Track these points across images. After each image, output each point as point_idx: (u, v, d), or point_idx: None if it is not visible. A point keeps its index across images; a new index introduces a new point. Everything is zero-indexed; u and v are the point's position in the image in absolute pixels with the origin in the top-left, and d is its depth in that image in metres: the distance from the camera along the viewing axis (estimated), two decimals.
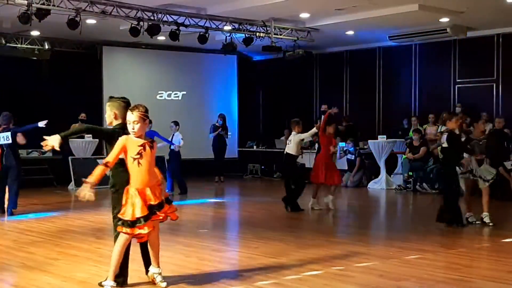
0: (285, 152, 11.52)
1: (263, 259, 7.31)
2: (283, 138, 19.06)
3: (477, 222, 9.83)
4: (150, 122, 14.27)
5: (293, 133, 11.41)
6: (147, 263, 6.12)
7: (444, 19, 14.78)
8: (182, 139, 14.75)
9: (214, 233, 9.40)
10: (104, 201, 13.73)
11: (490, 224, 9.74)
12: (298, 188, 11.40)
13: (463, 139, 9.79)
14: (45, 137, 5.71)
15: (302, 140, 11.52)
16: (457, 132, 9.62)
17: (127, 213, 5.64)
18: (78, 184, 15.29)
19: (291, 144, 11.35)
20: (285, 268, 6.84)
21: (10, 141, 11.05)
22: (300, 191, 11.44)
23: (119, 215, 5.71)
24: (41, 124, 11.27)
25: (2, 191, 11.30)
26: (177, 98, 19.30)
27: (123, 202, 5.70)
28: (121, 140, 5.68)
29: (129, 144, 5.67)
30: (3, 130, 11.10)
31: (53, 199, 13.59)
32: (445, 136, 9.49)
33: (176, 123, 14.54)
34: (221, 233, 9.51)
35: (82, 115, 16.50)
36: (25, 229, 9.48)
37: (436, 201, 11.68)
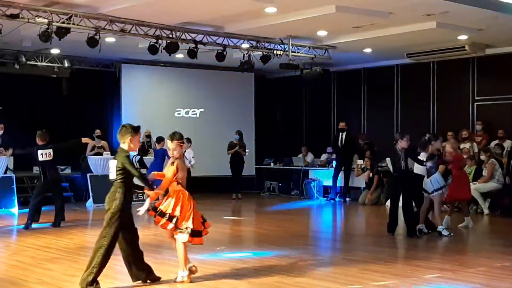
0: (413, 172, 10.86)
1: (280, 277, 7.27)
2: (300, 155, 19.04)
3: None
4: (163, 139, 14.81)
5: (422, 153, 10.88)
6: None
7: (463, 37, 14.73)
8: (193, 157, 14.74)
9: (231, 250, 9.38)
10: None
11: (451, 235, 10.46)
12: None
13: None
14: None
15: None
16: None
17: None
18: (97, 201, 15.40)
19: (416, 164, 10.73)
20: (302, 287, 6.80)
21: (51, 157, 11.48)
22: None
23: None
24: (85, 140, 11.84)
25: (36, 205, 11.52)
26: (195, 116, 19.37)
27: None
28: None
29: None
30: (43, 147, 11.33)
31: (71, 215, 13.63)
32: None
33: (188, 140, 14.56)
34: (238, 250, 9.47)
35: (97, 132, 16.62)
36: (43, 246, 9.52)
37: (455, 219, 11.57)
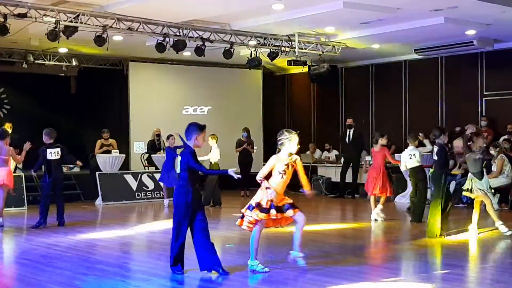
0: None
1: (289, 274, 7.28)
2: (308, 152, 19.01)
3: None
4: (170, 136, 15.04)
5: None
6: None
7: (471, 32, 14.67)
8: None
9: (240, 248, 9.38)
10: (130, 215, 13.83)
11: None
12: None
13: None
14: None
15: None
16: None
17: None
18: (105, 199, 15.44)
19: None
20: (312, 284, 6.80)
21: (59, 156, 11.45)
22: None
23: None
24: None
25: (48, 205, 11.49)
26: (202, 113, 19.38)
27: None
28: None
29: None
30: (51, 146, 11.32)
31: (80, 214, 13.68)
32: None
33: None
34: (247, 248, 9.47)
35: (104, 131, 16.61)
36: (53, 244, 9.55)
37: (466, 214, 11.54)
